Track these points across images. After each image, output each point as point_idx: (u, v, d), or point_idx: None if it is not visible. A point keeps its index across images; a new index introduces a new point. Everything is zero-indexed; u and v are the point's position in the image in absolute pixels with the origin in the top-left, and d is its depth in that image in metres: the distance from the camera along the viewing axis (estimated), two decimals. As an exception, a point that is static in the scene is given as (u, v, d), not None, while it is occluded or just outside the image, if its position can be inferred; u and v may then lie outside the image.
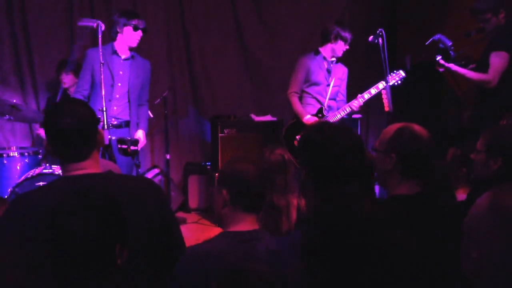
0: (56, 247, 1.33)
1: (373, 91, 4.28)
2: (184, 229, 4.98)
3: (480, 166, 2.27)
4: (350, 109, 4.31)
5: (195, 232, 4.84)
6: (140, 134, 3.99)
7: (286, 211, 2.28)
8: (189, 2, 5.73)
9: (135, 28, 3.93)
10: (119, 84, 3.93)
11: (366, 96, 4.29)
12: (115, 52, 3.96)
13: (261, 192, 1.82)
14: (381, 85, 4.24)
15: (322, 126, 1.58)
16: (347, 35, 4.36)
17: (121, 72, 3.92)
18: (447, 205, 1.95)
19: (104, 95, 3.46)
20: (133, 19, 3.93)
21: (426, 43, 4.10)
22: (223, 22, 5.83)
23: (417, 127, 1.98)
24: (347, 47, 4.42)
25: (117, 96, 3.92)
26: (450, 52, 3.94)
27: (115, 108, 3.92)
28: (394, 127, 2.01)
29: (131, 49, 4.01)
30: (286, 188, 2.31)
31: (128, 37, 3.93)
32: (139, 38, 3.98)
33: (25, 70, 5.21)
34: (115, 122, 3.93)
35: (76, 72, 4.61)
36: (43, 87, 5.28)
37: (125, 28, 3.91)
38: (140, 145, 3.76)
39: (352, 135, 1.56)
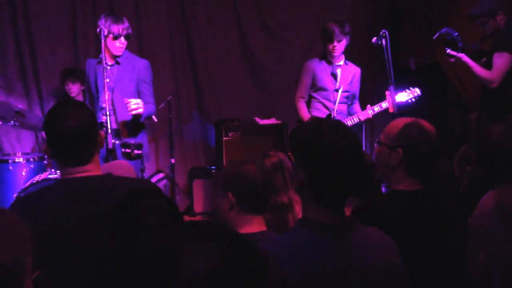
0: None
1: (384, 105, 4.20)
2: (189, 233, 5.00)
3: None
4: (358, 119, 4.27)
5: (201, 236, 4.82)
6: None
7: (290, 208, 2.28)
8: (192, 7, 5.74)
9: (115, 37, 3.69)
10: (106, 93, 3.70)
11: (376, 109, 4.23)
12: (101, 60, 3.76)
13: (265, 192, 1.83)
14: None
15: (320, 129, 1.43)
16: (330, 27, 4.15)
17: (107, 80, 3.65)
18: (448, 204, 1.94)
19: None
20: (114, 25, 3.66)
21: (434, 37, 4.06)
22: (226, 27, 5.83)
23: (426, 124, 1.91)
24: (335, 44, 4.19)
25: (104, 105, 3.68)
26: (458, 42, 3.90)
27: (104, 117, 3.60)
28: (402, 121, 1.93)
29: (115, 56, 3.78)
30: (285, 185, 2.30)
31: (110, 46, 3.71)
32: (123, 46, 3.74)
33: (29, 77, 5.22)
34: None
35: (83, 80, 4.60)
36: (48, 94, 5.29)
37: (106, 37, 3.66)
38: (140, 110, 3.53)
39: (351, 138, 1.49)
